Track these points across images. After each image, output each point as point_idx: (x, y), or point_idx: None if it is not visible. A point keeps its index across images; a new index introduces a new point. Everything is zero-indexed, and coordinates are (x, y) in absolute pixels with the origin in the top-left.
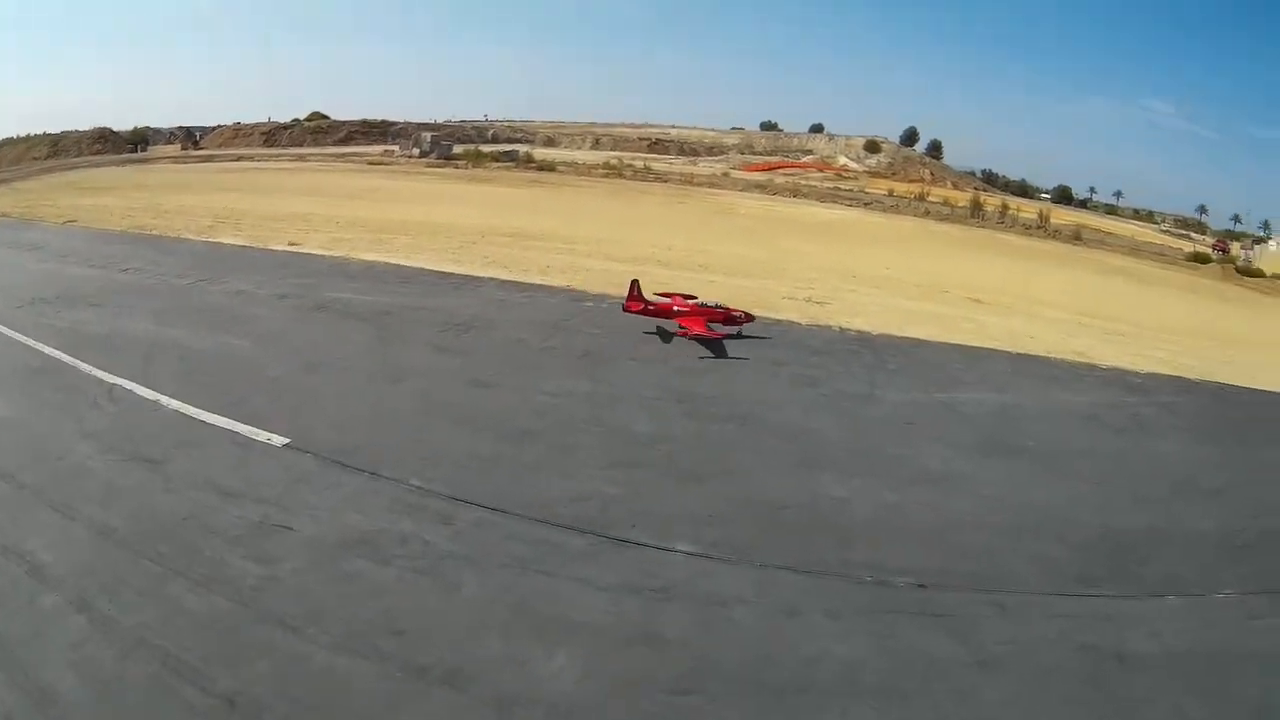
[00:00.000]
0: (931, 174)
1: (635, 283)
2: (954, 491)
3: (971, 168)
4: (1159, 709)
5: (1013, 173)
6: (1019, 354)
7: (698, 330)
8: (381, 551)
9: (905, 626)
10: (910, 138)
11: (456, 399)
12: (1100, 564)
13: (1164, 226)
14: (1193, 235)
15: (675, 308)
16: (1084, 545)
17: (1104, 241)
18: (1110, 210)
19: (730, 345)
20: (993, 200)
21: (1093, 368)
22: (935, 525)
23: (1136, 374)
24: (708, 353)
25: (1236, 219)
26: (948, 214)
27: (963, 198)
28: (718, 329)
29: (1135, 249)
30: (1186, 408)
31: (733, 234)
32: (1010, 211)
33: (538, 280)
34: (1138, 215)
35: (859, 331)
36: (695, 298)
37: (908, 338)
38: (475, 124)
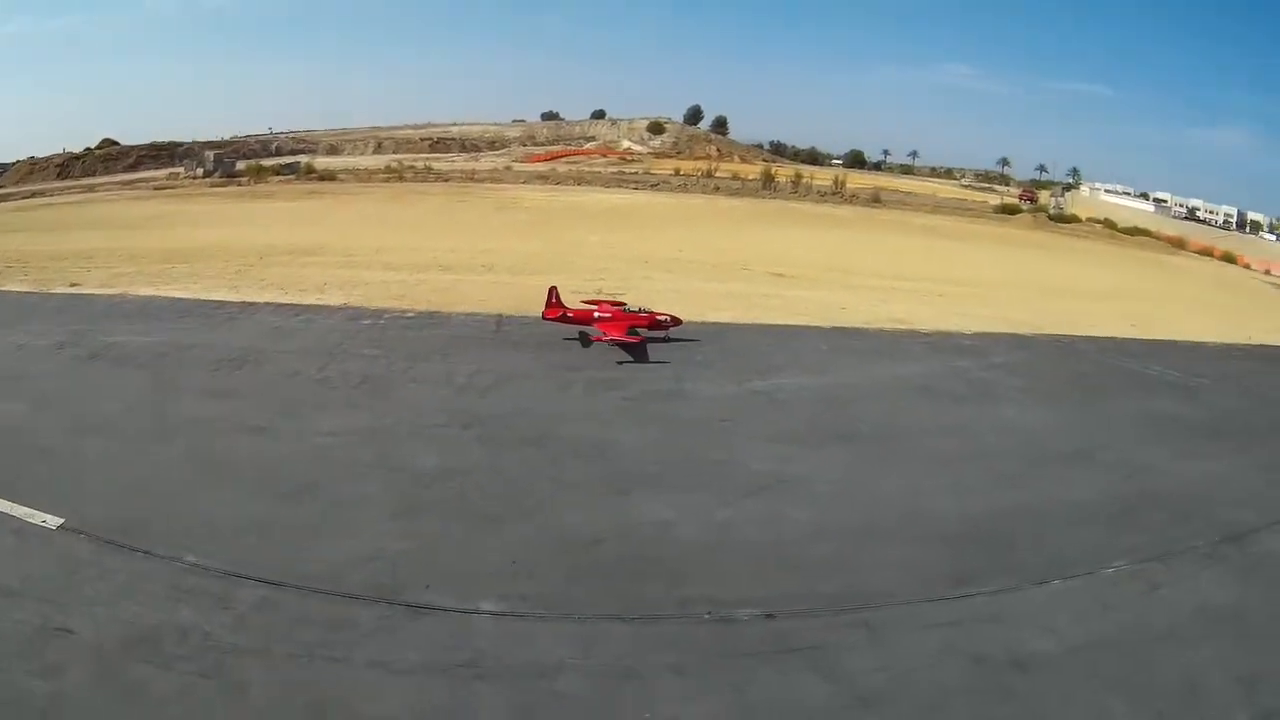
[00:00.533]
0: (718, 150)
1: (553, 290)
2: (790, 497)
3: (759, 141)
4: (1080, 715)
5: (802, 143)
6: (833, 328)
7: (615, 335)
8: (163, 651)
9: (763, 672)
10: (695, 116)
11: (229, 453)
12: (971, 557)
13: (964, 182)
14: (995, 188)
15: (597, 314)
16: (948, 538)
17: (905, 201)
18: (906, 170)
19: (522, 351)
20: (784, 171)
21: (915, 334)
22: (775, 540)
23: (964, 335)
24: (493, 366)
25: (1041, 169)
26: (738, 188)
27: (753, 170)
28: (640, 334)
29: (939, 206)
30: (1024, 365)
31: (516, 229)
32: (804, 180)
33: (314, 300)
34: (935, 173)
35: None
36: (623, 304)
37: (711, 323)
38: (260, 138)
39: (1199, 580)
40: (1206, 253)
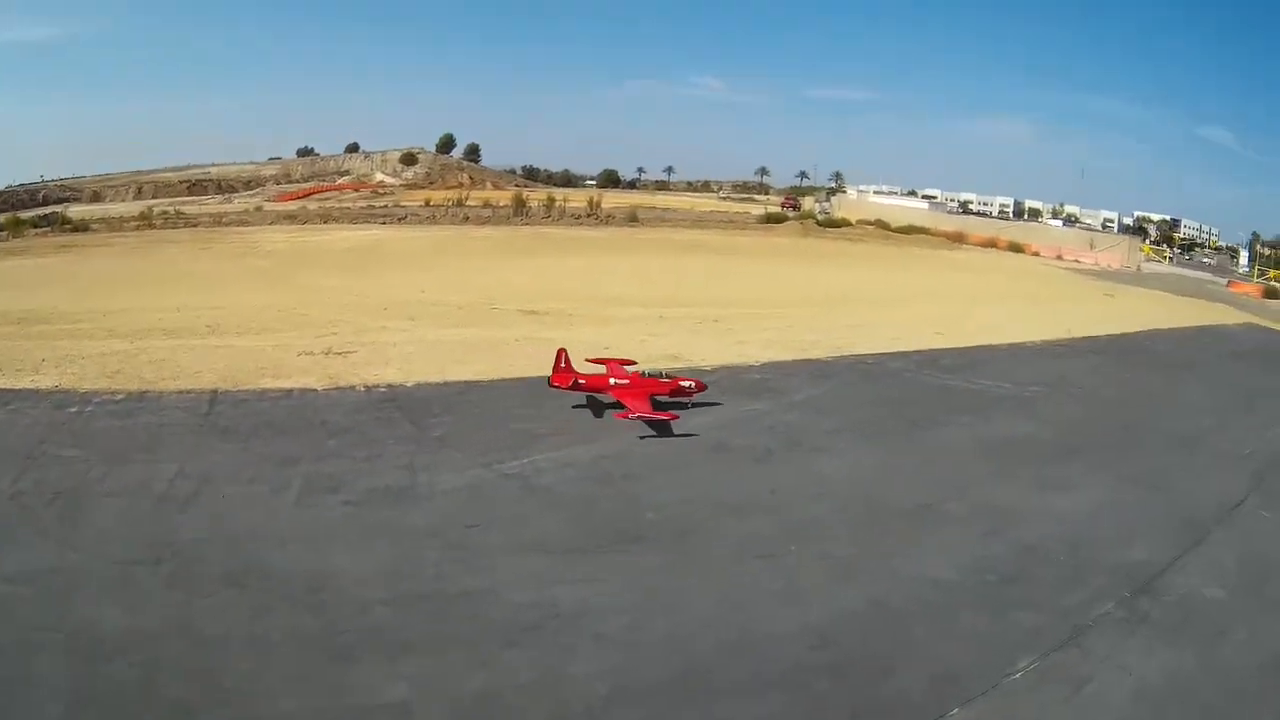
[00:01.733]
0: (470, 178)
1: (562, 353)
2: (568, 640)
3: (512, 166)
4: None
5: (555, 166)
6: None
7: (640, 411)
8: None
9: None
10: (447, 145)
11: None
12: (833, 704)
13: (723, 194)
14: (755, 198)
15: (612, 380)
16: (796, 674)
17: (664, 219)
18: (662, 186)
19: (232, 441)
20: (537, 195)
21: (696, 373)
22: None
23: (752, 368)
24: (198, 466)
25: (802, 175)
26: (489, 216)
27: (505, 197)
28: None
29: (700, 220)
30: (831, 400)
31: (252, 278)
32: (557, 203)
33: (27, 384)
34: (692, 187)
35: (390, 386)
36: (633, 363)
37: (453, 383)
38: (30, 187)
39: (1126, 657)
40: (990, 244)
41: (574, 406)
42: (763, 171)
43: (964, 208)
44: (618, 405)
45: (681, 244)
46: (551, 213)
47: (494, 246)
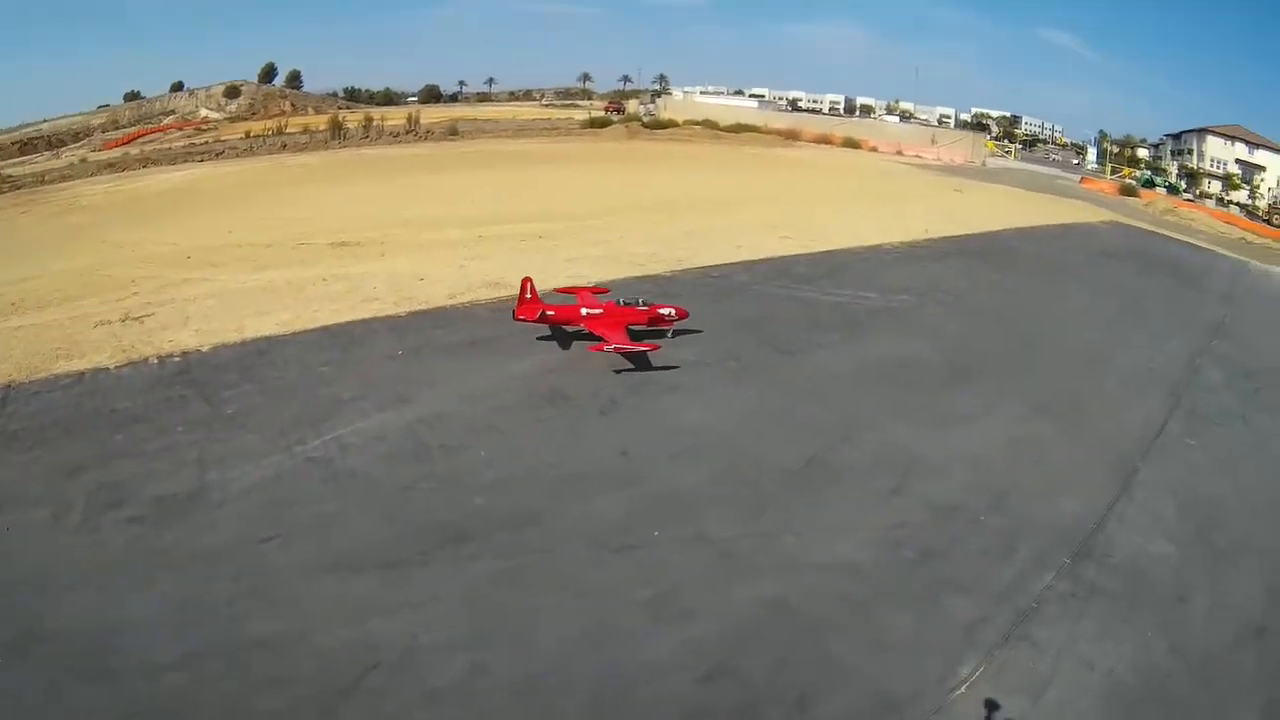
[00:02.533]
0: (292, 105)
1: (527, 281)
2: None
3: (335, 90)
4: None
5: (377, 85)
6: (411, 314)
7: (618, 343)
8: None
9: None
10: (269, 73)
11: None
12: None
13: (545, 102)
14: (578, 104)
15: (584, 310)
16: None
17: (485, 130)
18: (484, 98)
19: (16, 450)
20: (355, 117)
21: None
22: None
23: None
24: None
25: (625, 79)
26: (306, 142)
27: (323, 121)
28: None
29: (523, 129)
30: (678, 328)
31: (63, 239)
32: (375, 122)
33: None
34: (514, 97)
35: (184, 354)
36: (606, 291)
37: (251, 341)
38: None
39: (1083, 647)
40: (824, 141)
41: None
42: (585, 78)
43: (793, 106)
44: (591, 337)
45: (506, 155)
46: (369, 133)
47: (309, 174)
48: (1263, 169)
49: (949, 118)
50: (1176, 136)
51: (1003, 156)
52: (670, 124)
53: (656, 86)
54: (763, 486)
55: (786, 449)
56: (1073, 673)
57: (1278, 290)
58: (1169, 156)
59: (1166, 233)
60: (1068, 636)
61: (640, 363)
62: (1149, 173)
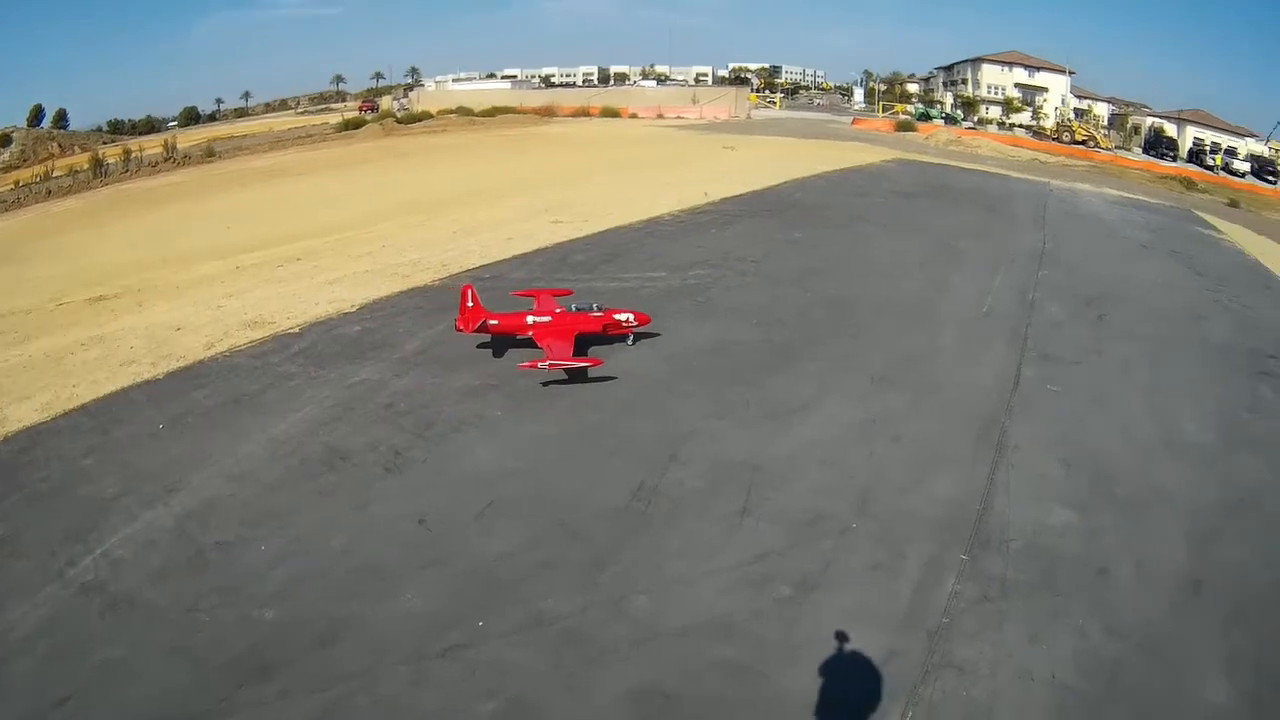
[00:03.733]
0: (60, 146)
1: (468, 290)
2: None
3: (99, 124)
4: None
5: (139, 114)
6: (168, 374)
7: (558, 357)
8: None
9: None
10: (36, 116)
11: None
12: None
13: (300, 109)
14: (333, 107)
15: (529, 318)
16: None
17: (242, 146)
18: (241, 113)
19: None
20: (114, 151)
21: (284, 339)
22: None
23: (348, 316)
24: None
25: (379, 76)
26: (70, 185)
27: (84, 160)
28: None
29: (279, 141)
30: (453, 343)
31: None
32: (134, 154)
33: None
34: (270, 108)
35: None
36: (568, 293)
37: (15, 434)
38: None
39: (1011, 655)
40: (583, 113)
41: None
42: (339, 79)
43: (546, 82)
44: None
45: (261, 170)
46: (130, 166)
47: (72, 220)
48: (1045, 90)
49: (706, 76)
50: (948, 68)
51: (768, 107)
52: (425, 116)
53: (409, 80)
54: (591, 536)
55: (606, 482)
56: (1013, 691)
57: (1087, 208)
58: (941, 89)
59: (957, 163)
60: (995, 650)
61: (578, 376)
62: (923, 106)
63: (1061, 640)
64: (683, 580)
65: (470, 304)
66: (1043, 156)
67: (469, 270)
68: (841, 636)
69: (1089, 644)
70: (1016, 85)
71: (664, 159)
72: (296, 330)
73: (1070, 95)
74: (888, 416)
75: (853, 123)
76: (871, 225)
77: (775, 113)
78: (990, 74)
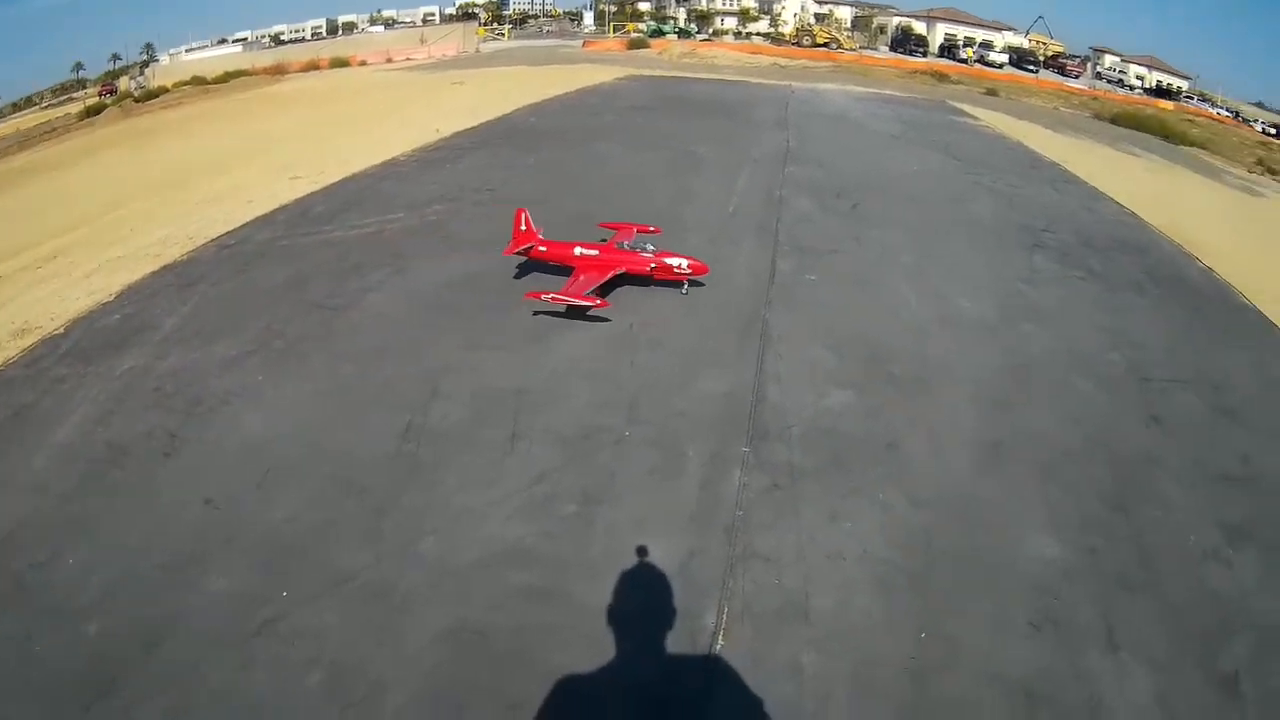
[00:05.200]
0: None
1: (521, 213)
2: None
3: None
4: None
5: None
6: None
7: (575, 293)
8: None
9: None
10: None
11: None
12: None
13: (44, 105)
14: (74, 96)
15: (577, 249)
16: None
17: None
18: None
19: None
20: None
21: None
22: None
23: (106, 306)
24: None
25: (115, 56)
26: None
27: None
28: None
29: (22, 143)
30: (205, 313)
31: None
32: None
33: None
34: (17, 107)
35: None
36: (656, 231)
37: None
38: None
39: (815, 537)
40: (313, 67)
41: None
42: (79, 67)
43: (276, 40)
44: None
45: (8, 174)
46: None
47: None
48: None
49: (434, 16)
50: None
51: (497, 39)
52: (161, 91)
53: (144, 57)
54: (368, 486)
55: (373, 429)
56: (826, 572)
57: (831, 106)
58: (674, 4)
59: (694, 75)
60: (797, 535)
61: (578, 313)
62: (655, 23)
63: (864, 516)
64: (467, 513)
65: (524, 228)
66: (783, 61)
67: (213, 239)
68: (638, 546)
69: (895, 516)
70: None
71: (394, 102)
72: (61, 330)
73: (810, 0)
74: (646, 323)
75: (584, 45)
76: (609, 143)
77: (505, 44)
78: None
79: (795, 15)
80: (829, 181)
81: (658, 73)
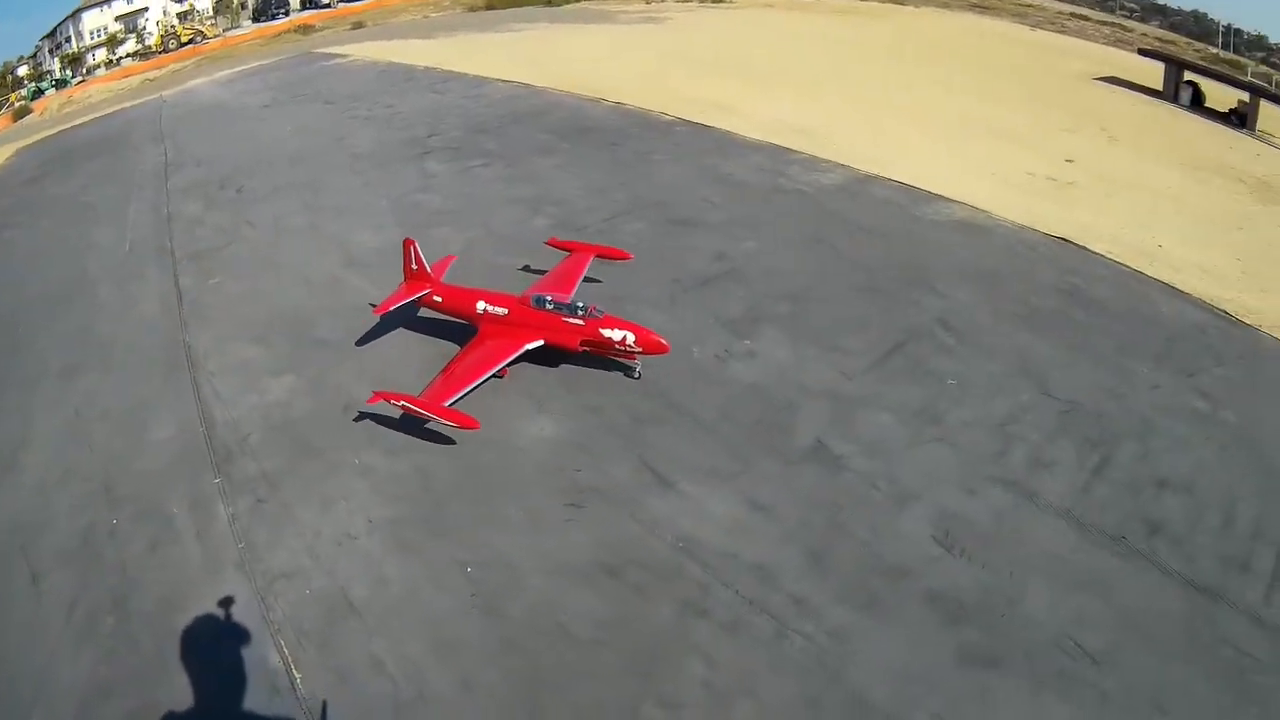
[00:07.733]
0: None
1: (409, 245)
2: None
3: None
4: None
5: None
6: None
7: (435, 388)
8: None
9: None
10: None
11: None
12: None
13: None
14: None
15: (480, 304)
16: None
17: None
18: None
19: None
20: None
21: None
22: None
23: None
24: None
25: None
26: None
27: None
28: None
29: None
30: None
31: None
32: None
33: None
34: None
35: None
36: (626, 257)
37: None
38: None
39: (317, 530)
40: None
41: None
42: None
43: None
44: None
45: None
46: None
47: None
48: (146, 9)
49: None
50: (51, 35)
51: None
52: None
53: None
54: None
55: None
56: (346, 558)
57: (199, 101)
58: (50, 58)
59: (71, 124)
60: (302, 538)
61: (433, 432)
62: (33, 85)
63: (353, 487)
64: None
65: (414, 266)
66: (152, 74)
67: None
68: (183, 630)
69: (378, 475)
70: (118, 19)
71: None
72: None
73: (171, 3)
74: (89, 408)
75: None
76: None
77: None
78: (91, 20)
79: (158, 23)
80: (212, 176)
81: (43, 134)
